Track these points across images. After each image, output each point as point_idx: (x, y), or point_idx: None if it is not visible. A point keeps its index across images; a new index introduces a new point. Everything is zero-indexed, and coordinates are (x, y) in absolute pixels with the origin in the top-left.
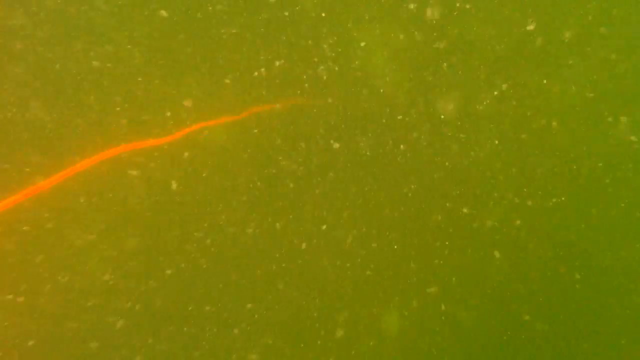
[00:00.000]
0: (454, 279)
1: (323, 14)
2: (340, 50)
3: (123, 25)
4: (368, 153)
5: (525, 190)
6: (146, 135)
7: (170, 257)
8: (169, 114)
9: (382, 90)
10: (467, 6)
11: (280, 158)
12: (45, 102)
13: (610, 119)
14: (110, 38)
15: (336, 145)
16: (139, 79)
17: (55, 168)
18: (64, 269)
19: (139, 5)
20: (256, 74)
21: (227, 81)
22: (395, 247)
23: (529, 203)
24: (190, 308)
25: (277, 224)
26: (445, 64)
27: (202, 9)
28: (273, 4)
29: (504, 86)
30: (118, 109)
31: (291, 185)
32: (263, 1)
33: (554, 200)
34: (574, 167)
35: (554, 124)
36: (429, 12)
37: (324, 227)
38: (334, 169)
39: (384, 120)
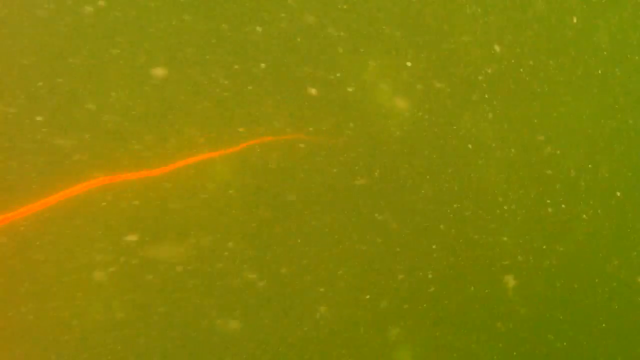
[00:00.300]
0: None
1: (334, 50)
2: (343, 85)
3: None
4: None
5: (548, 201)
6: (137, 166)
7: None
8: (162, 143)
9: (388, 126)
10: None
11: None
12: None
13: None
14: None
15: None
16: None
17: (35, 196)
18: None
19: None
20: (259, 105)
21: (227, 111)
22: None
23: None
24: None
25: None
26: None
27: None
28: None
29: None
30: (107, 135)
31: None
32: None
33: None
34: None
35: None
36: None
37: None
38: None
39: (389, 154)
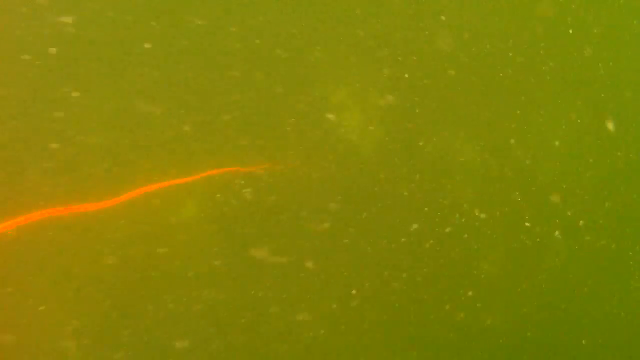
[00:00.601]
0: None
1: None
2: (312, 113)
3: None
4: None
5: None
6: (82, 199)
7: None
8: (111, 172)
9: (358, 156)
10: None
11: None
12: None
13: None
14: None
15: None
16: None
17: None
18: None
19: None
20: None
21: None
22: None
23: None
24: None
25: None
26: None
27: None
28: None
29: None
30: (49, 164)
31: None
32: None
33: None
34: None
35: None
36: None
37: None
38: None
39: (360, 187)
